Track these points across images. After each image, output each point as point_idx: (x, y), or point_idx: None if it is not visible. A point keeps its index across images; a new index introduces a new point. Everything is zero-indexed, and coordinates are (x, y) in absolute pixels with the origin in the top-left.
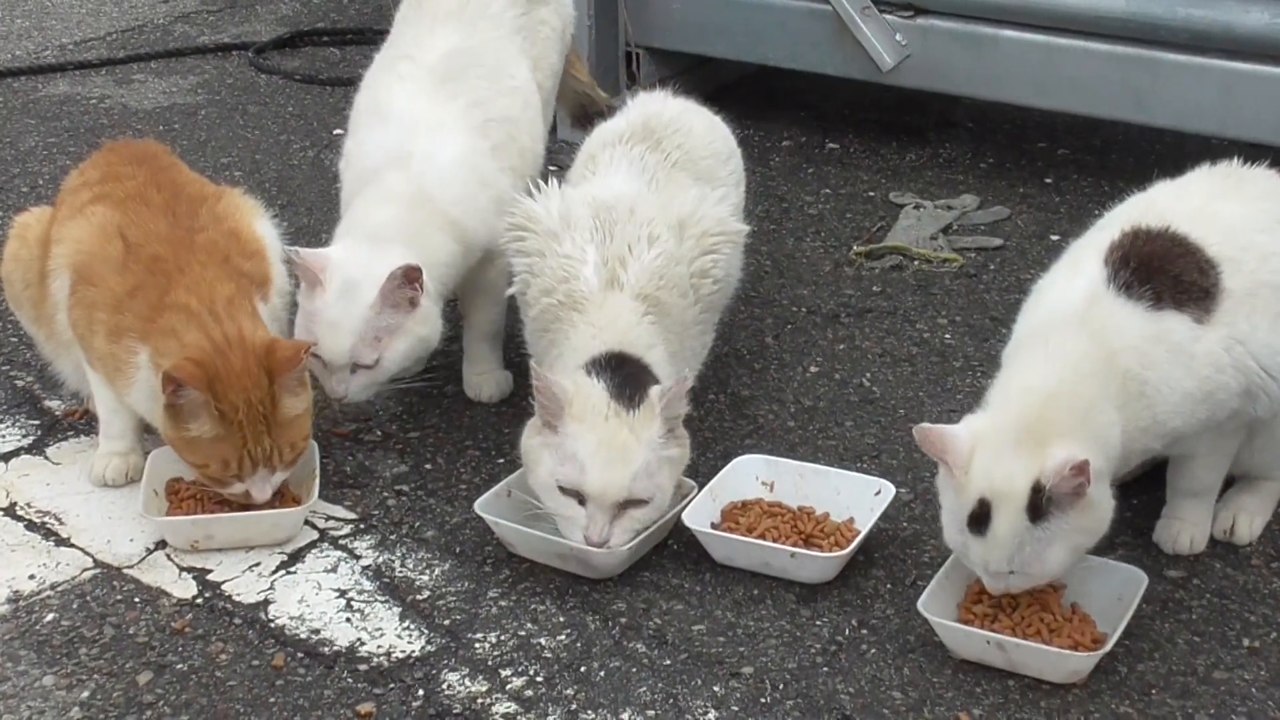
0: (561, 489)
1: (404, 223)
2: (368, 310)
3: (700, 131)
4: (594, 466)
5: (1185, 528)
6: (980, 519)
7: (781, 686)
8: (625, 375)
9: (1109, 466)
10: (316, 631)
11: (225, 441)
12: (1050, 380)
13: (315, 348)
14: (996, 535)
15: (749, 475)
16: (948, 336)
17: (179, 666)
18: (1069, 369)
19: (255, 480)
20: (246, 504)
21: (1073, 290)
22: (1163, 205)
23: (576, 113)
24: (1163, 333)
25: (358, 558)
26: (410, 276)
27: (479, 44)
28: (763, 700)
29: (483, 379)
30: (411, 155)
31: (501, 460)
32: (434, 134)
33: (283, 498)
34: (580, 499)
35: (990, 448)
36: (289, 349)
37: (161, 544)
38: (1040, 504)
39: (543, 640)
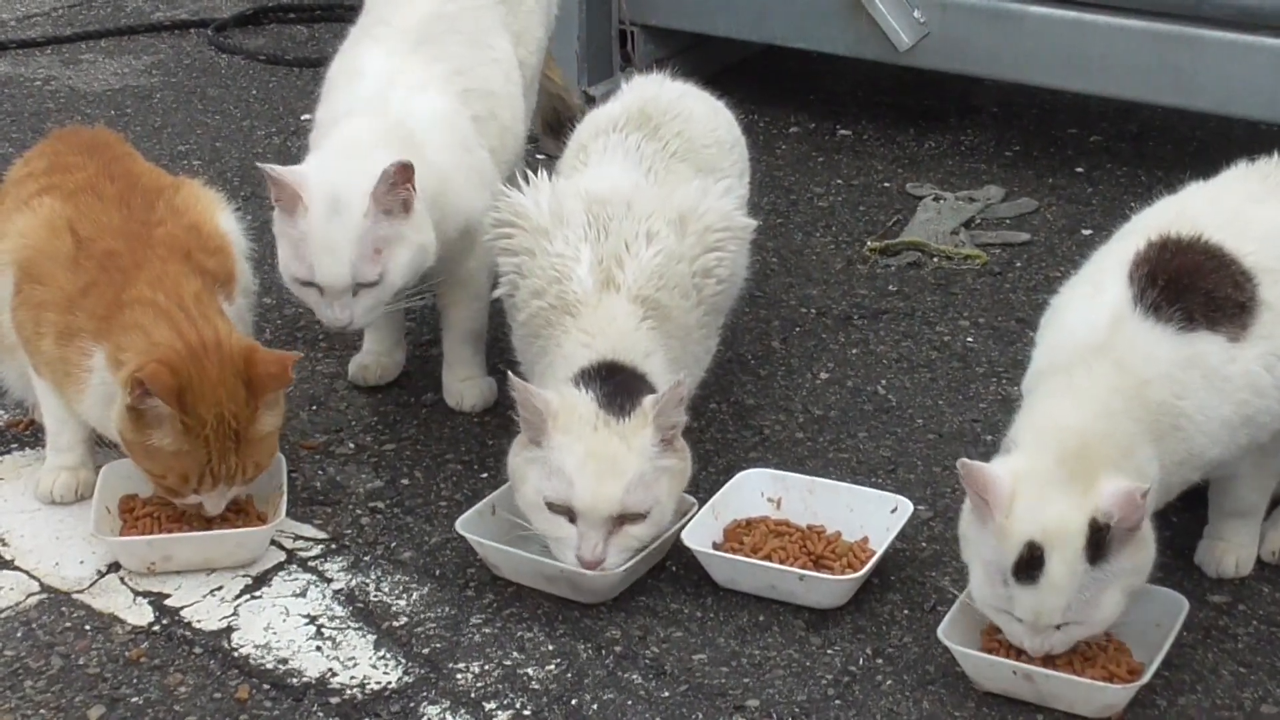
0: (550, 506)
1: (383, 139)
2: (362, 221)
3: (702, 118)
4: (582, 478)
5: (1230, 549)
6: (1030, 565)
7: None
8: (616, 384)
9: (1152, 505)
10: (284, 661)
11: (187, 456)
12: (1083, 417)
13: (309, 275)
14: (1053, 581)
15: (754, 491)
16: (970, 340)
17: (134, 700)
18: (1100, 405)
19: (212, 495)
20: (207, 522)
21: (1095, 313)
22: (1194, 211)
23: (549, 118)
24: (1196, 356)
25: (329, 581)
26: (402, 175)
27: (458, 10)
28: None
29: (465, 386)
30: (388, 102)
31: (485, 475)
32: (412, 90)
33: (248, 516)
34: (570, 516)
35: (1034, 488)
36: (274, 363)
37: (115, 566)
38: (1101, 542)
39: (530, 670)
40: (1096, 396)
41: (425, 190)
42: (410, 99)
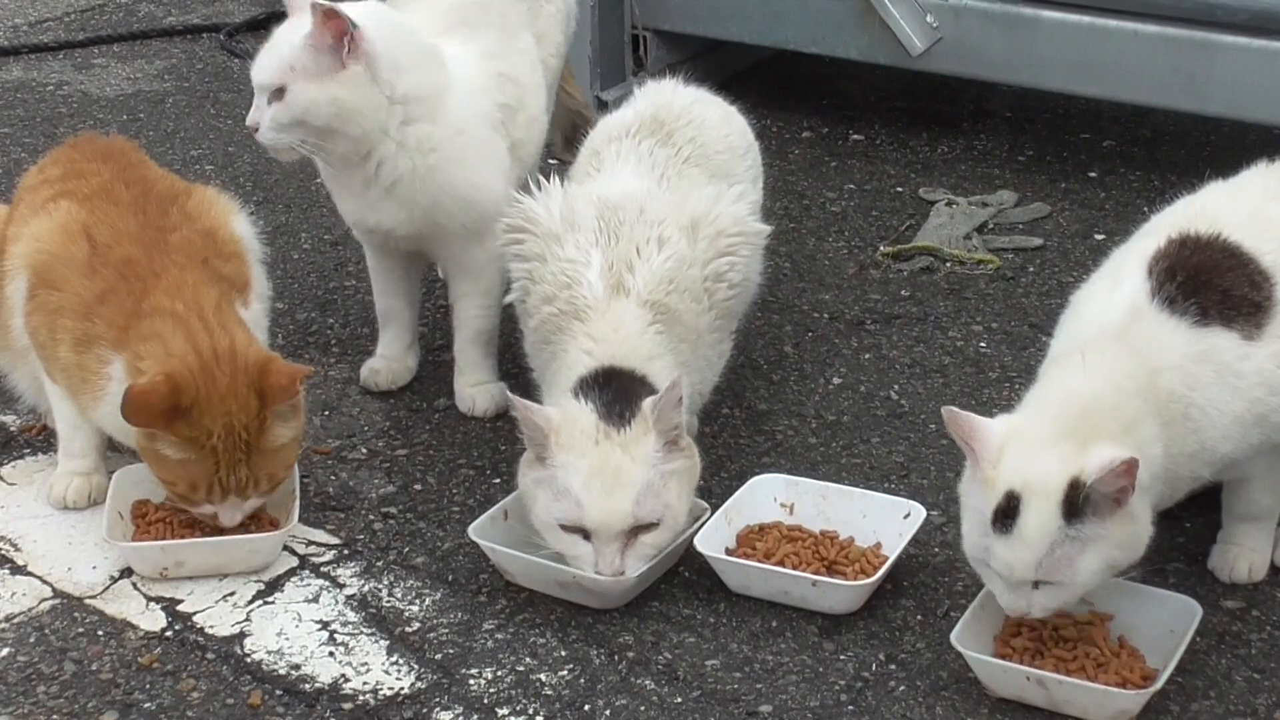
0: (563, 527)
1: None
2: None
3: (715, 123)
4: (590, 498)
5: (1243, 554)
6: (1007, 514)
7: None
8: (615, 392)
9: (1152, 484)
10: (297, 667)
11: (195, 465)
12: (1092, 388)
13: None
14: (1025, 532)
15: (767, 496)
16: (983, 345)
17: (147, 706)
18: (1110, 382)
19: (225, 506)
20: (219, 528)
21: (1113, 304)
22: (1214, 210)
23: (568, 133)
24: (1209, 351)
25: (341, 586)
26: (338, 28)
27: (488, 1)
28: None
29: (476, 391)
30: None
31: (497, 480)
32: (451, 59)
33: (260, 521)
34: (584, 534)
35: (1025, 442)
36: (285, 375)
37: (127, 572)
38: (1077, 501)
39: (543, 676)
40: (1107, 374)
41: (435, 142)
42: (450, 63)
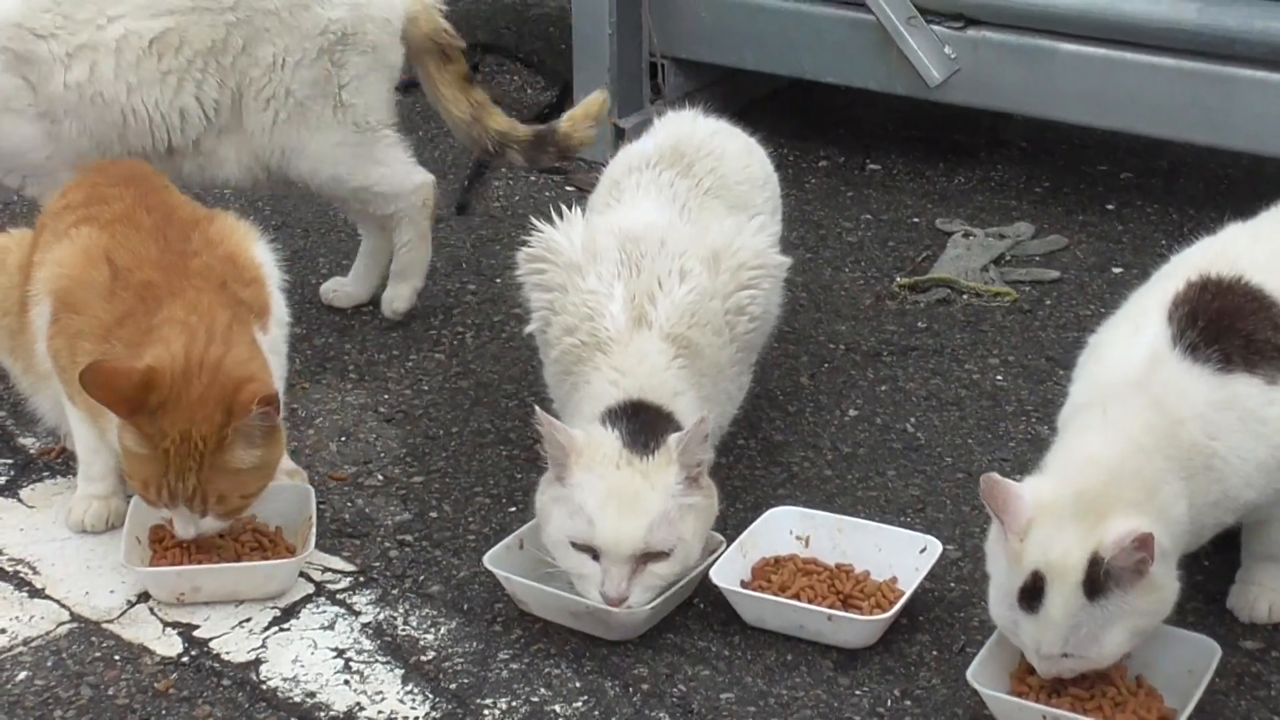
0: (574, 545)
1: None
2: None
3: (735, 155)
4: (604, 517)
5: (1263, 594)
6: (1033, 594)
7: None
8: (642, 423)
9: (1174, 545)
10: (312, 694)
11: (147, 462)
12: (1113, 452)
13: None
14: (1050, 613)
15: (782, 529)
16: (999, 378)
17: None
18: (1131, 442)
19: (178, 515)
20: (236, 554)
21: (1134, 351)
22: (1234, 252)
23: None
24: (1232, 398)
25: (357, 614)
26: None
27: None
28: None
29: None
30: None
31: (513, 509)
32: None
33: (276, 548)
34: (594, 554)
35: (1050, 517)
36: (249, 393)
37: (144, 596)
38: (1099, 579)
39: (557, 707)
40: (1129, 433)
41: None
42: None
